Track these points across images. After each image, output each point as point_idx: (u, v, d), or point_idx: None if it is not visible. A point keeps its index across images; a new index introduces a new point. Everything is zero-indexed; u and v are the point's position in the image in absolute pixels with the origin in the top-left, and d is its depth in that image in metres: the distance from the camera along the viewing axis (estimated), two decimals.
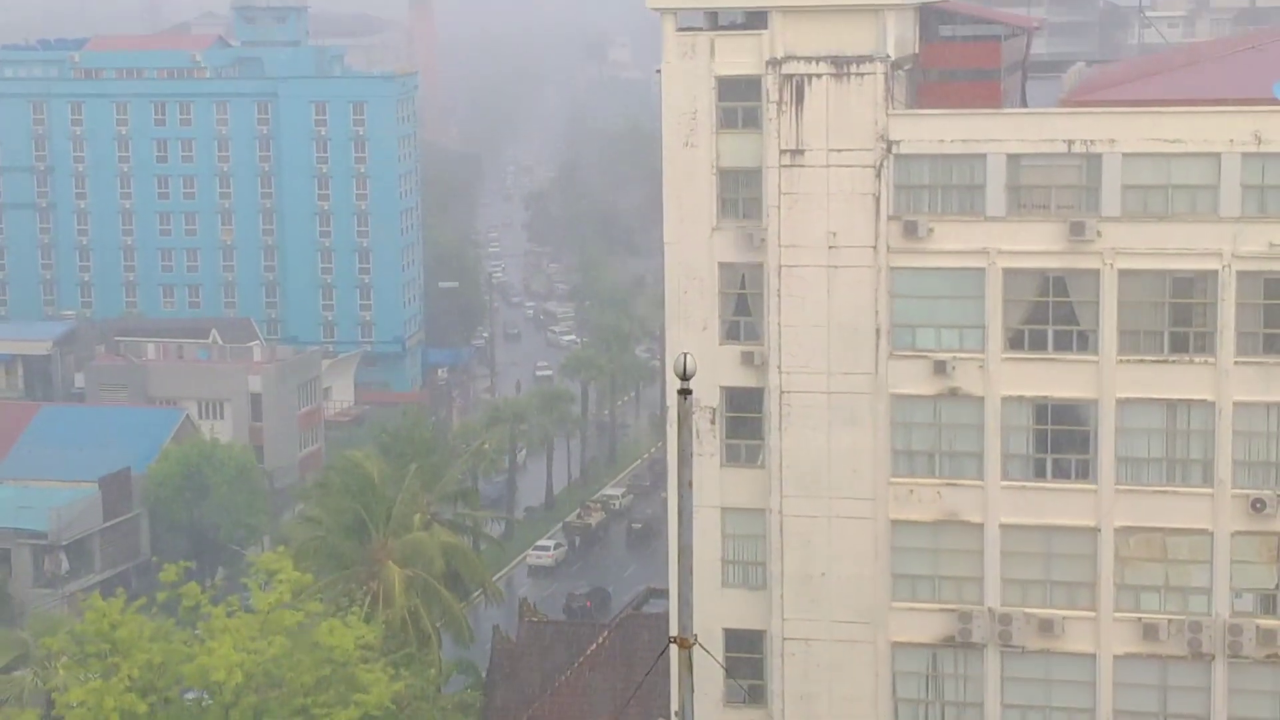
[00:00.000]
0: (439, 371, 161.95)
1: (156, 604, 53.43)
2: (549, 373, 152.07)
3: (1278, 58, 55.39)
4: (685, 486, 26.42)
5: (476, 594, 76.25)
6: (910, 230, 50.77)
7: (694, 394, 26.70)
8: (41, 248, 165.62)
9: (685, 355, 26.26)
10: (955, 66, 54.81)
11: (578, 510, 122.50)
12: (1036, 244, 50.30)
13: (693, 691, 26.60)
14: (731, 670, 52.83)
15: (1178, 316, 50.19)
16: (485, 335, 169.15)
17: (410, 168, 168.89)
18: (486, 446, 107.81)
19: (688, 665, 26.51)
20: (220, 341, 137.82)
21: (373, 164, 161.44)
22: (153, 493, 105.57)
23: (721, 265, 52.56)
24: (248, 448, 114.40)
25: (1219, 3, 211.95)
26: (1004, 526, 51.37)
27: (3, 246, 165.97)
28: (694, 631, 26.64)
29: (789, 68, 51.16)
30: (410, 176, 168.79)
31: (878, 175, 50.95)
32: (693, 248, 52.49)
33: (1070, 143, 49.94)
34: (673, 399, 32.32)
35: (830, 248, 51.35)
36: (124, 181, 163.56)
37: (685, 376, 25.98)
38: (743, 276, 52.66)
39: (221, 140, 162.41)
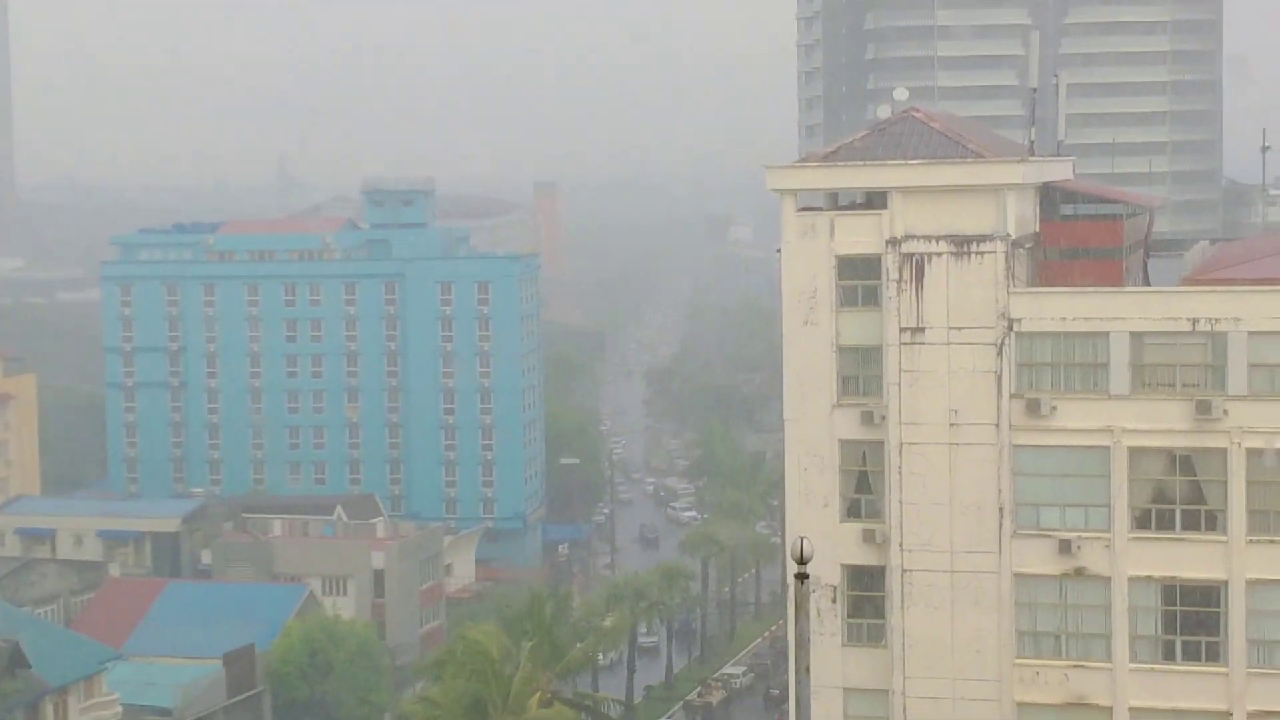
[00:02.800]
0: (559, 548, 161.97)
1: None
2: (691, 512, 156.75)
3: None
4: (803, 672, 26.24)
5: None
6: (1033, 408, 50.50)
7: (815, 573, 26.60)
8: (172, 426, 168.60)
9: (802, 539, 26.28)
10: (1077, 245, 54.75)
11: (698, 689, 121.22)
12: (1162, 422, 49.79)
13: None
14: None
15: None
16: (606, 511, 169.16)
17: (533, 346, 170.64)
18: (607, 624, 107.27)
19: None
20: (345, 518, 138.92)
21: (496, 342, 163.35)
22: (276, 670, 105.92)
23: (842, 442, 52.50)
24: (370, 624, 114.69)
25: None
26: (1133, 710, 50.25)
27: (135, 425, 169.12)
28: None
29: (909, 246, 51.45)
30: (533, 354, 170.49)
31: (999, 353, 50.86)
32: (813, 425, 52.50)
33: (1194, 321, 49.64)
34: (792, 580, 32.26)
35: (952, 425, 51.16)
36: (254, 361, 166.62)
37: (803, 560, 25.98)
38: (863, 453, 52.55)
39: (350, 320, 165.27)
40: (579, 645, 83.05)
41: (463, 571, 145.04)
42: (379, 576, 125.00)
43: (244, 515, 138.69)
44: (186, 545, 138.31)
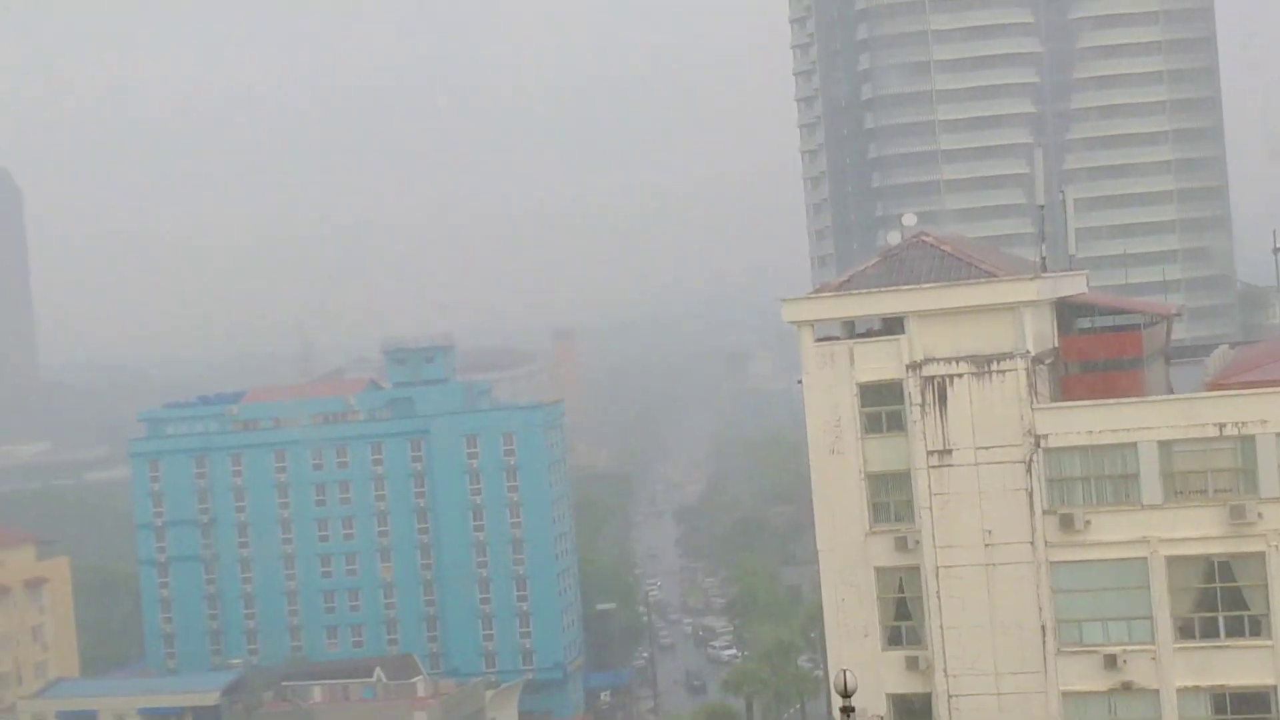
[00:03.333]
0: (602, 695, 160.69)
1: None
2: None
3: None
4: None
5: None
6: (1067, 523, 50.38)
7: (860, 705, 26.52)
8: (207, 598, 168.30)
9: (845, 672, 26.31)
10: (1097, 357, 54.92)
11: None
12: (1197, 530, 49.63)
13: None
14: None
15: None
16: (645, 655, 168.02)
17: (562, 493, 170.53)
18: None
19: None
20: (384, 679, 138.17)
21: (525, 492, 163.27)
22: None
23: (878, 570, 52.36)
24: None
25: None
26: None
27: (170, 600, 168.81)
28: None
29: (929, 369, 51.65)
30: (562, 501, 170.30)
31: (1028, 470, 50.84)
32: (848, 554, 52.40)
33: (1221, 426, 49.64)
34: (838, 714, 32.13)
35: (986, 546, 51.02)
36: (285, 527, 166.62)
37: (847, 694, 25.94)
38: (900, 580, 52.36)
39: (377, 479, 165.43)
40: None
41: None
42: None
43: (284, 684, 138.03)
44: (227, 718, 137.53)
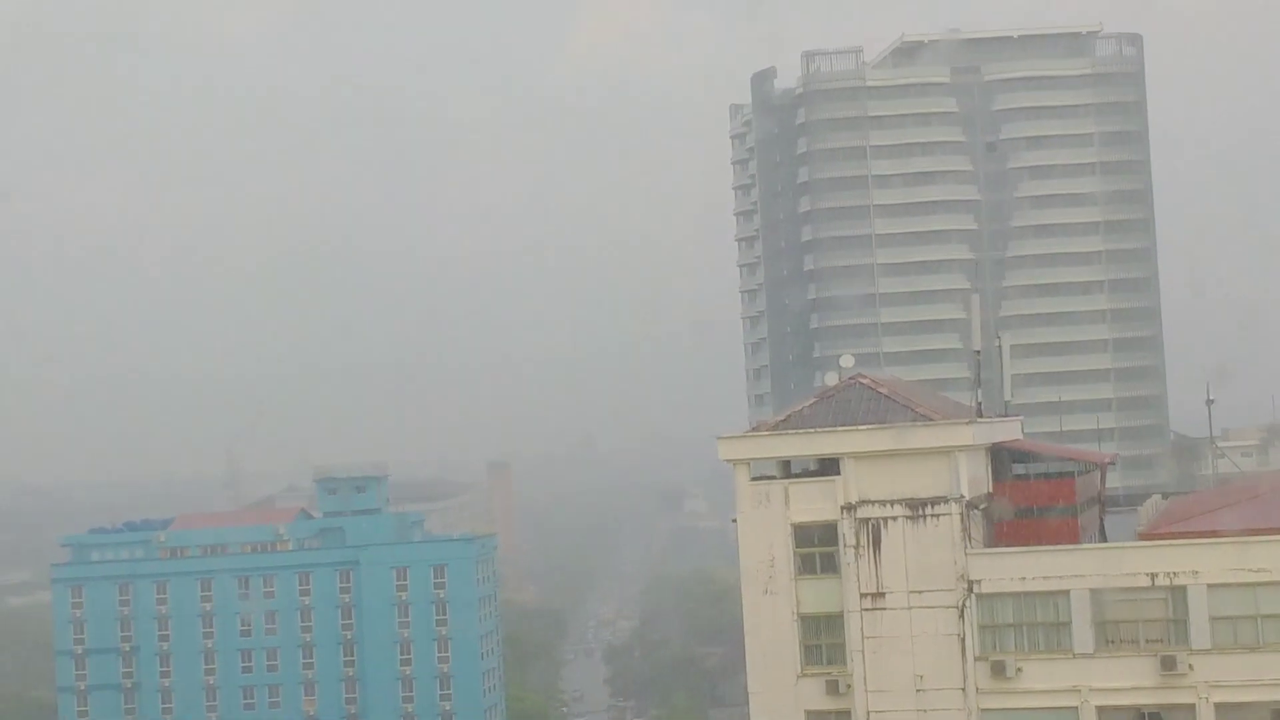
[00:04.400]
0: None
1: None
2: None
3: None
4: None
5: None
6: (998, 670, 50.03)
7: None
8: None
9: None
10: (1031, 504, 54.92)
11: None
12: (1128, 680, 49.38)
13: None
14: None
15: None
16: None
17: (491, 628, 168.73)
18: None
19: None
20: None
21: (454, 626, 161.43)
22: None
23: (809, 714, 51.85)
24: None
25: None
26: None
27: None
28: None
29: (864, 511, 51.47)
30: (491, 636, 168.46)
31: (961, 615, 50.54)
32: (778, 697, 51.84)
33: (1153, 576, 49.58)
34: None
35: (918, 691, 50.57)
36: (208, 658, 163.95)
37: None
38: None
39: (304, 611, 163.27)
40: None
41: None
42: None
43: None
44: None
